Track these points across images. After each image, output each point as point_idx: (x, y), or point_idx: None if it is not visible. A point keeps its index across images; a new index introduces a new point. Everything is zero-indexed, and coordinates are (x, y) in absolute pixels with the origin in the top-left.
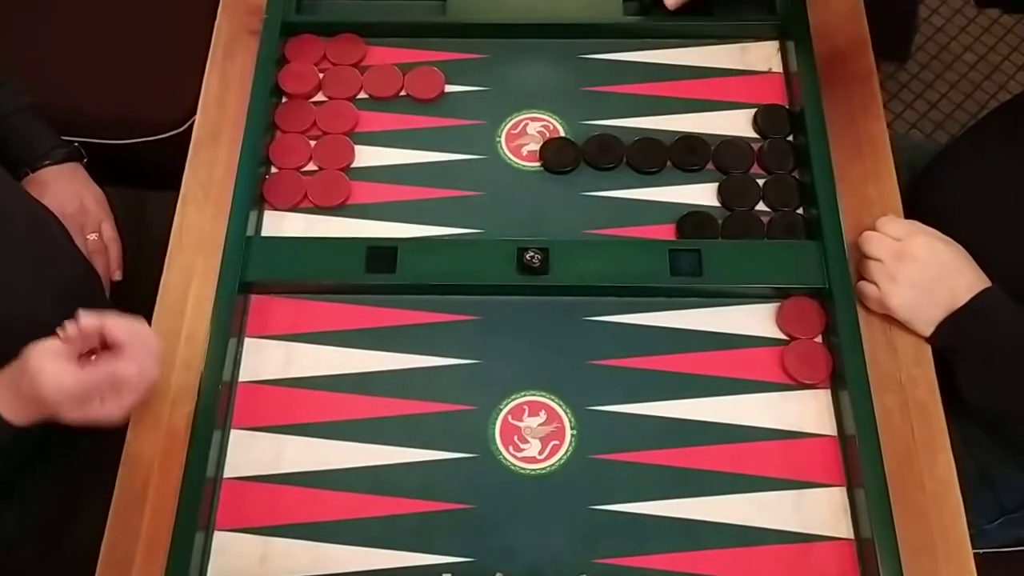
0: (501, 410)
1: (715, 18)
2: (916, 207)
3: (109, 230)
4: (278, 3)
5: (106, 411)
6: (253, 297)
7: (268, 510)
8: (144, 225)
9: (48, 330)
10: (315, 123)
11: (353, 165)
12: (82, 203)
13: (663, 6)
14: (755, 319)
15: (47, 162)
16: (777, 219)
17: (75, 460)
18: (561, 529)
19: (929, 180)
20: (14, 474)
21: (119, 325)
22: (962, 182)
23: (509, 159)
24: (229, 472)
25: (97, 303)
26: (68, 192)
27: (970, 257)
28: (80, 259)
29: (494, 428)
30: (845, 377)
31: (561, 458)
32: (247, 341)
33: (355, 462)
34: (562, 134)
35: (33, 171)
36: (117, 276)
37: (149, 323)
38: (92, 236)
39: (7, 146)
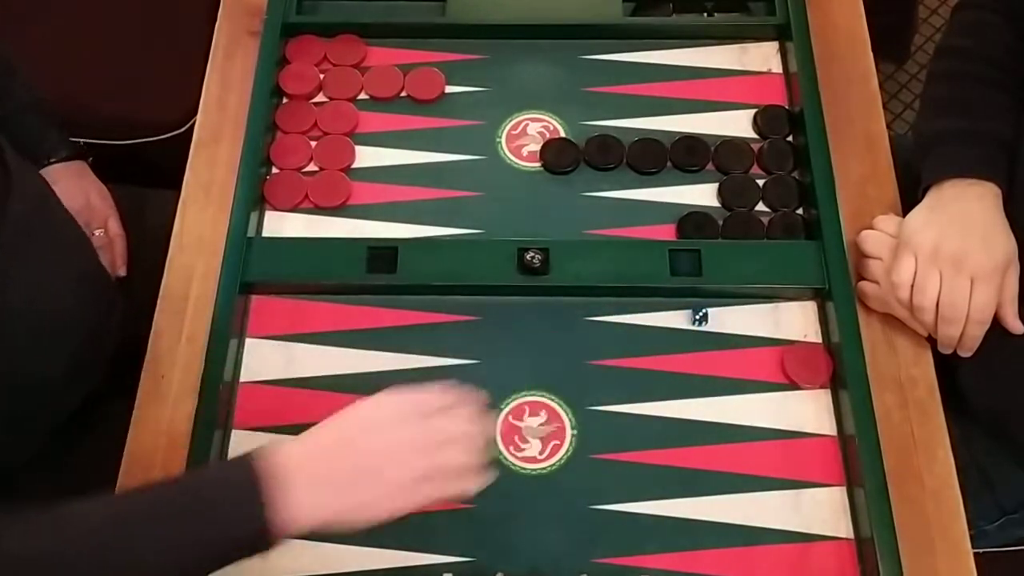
0: (501, 410)
1: (715, 18)
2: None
3: (115, 226)
4: (278, 4)
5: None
6: (254, 298)
7: None
8: (145, 225)
9: (72, 323)
10: (316, 124)
11: (354, 166)
12: (88, 199)
13: (663, 6)
14: (755, 319)
15: (54, 159)
16: (777, 219)
17: (76, 462)
18: (561, 529)
19: None
20: (17, 474)
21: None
22: None
23: (509, 159)
24: None
25: (108, 297)
26: (74, 189)
27: None
28: (93, 253)
29: (494, 428)
30: (845, 377)
31: (561, 458)
32: (248, 341)
33: None
34: (562, 134)
35: (40, 168)
36: (122, 272)
37: (150, 323)
38: (98, 232)
39: (16, 143)
